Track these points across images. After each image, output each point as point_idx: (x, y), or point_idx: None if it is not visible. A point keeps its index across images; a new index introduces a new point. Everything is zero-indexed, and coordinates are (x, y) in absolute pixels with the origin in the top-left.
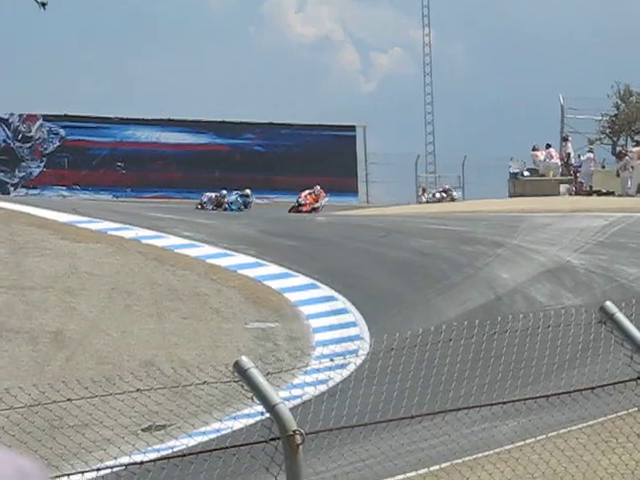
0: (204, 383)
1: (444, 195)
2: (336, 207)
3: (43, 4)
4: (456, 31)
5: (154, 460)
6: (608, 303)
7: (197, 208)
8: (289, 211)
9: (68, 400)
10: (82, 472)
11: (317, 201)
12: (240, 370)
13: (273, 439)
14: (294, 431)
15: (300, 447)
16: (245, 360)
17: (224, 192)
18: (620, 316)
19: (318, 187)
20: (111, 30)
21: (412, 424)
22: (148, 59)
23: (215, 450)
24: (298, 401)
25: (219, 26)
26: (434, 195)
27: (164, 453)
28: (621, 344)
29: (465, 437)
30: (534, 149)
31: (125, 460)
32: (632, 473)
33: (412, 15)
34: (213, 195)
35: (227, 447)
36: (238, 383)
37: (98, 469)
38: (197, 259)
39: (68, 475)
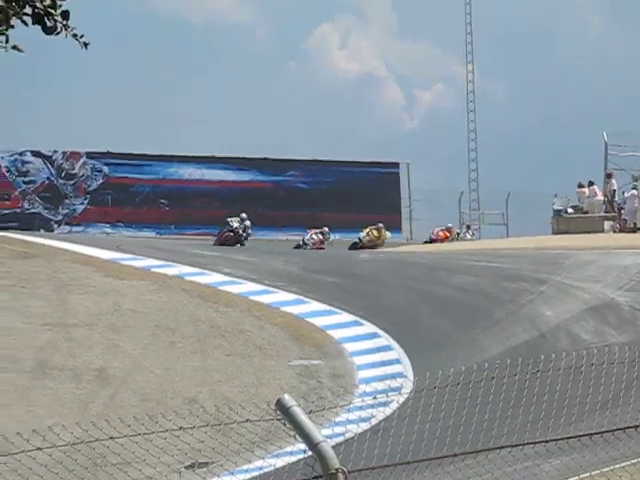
0: (247, 421)
1: (443, 234)
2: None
3: (85, 44)
4: (499, 66)
5: None
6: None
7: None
8: (294, 247)
9: (111, 438)
10: None
11: (323, 243)
12: (282, 408)
13: (316, 477)
14: (337, 469)
15: None
16: (287, 398)
17: (326, 229)
18: None
19: (326, 228)
20: (154, 65)
21: (455, 462)
22: (190, 95)
23: None
24: (341, 439)
25: (260, 62)
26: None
27: None
28: None
29: (508, 475)
30: (580, 186)
31: None
32: None
33: (452, 50)
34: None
35: None
36: (281, 421)
37: None
38: (240, 296)
39: None
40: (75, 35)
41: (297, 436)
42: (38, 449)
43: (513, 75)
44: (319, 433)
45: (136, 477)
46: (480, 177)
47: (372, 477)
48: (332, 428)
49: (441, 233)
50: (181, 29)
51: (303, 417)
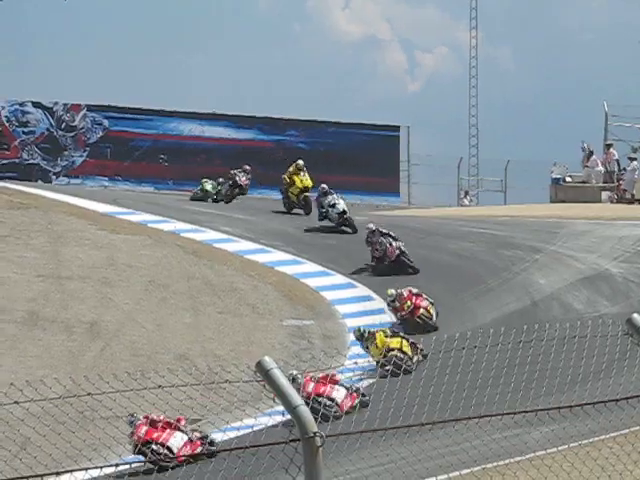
0: (239, 381)
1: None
2: (377, 207)
3: None
4: (503, 33)
5: (172, 458)
6: (635, 315)
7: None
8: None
9: (102, 393)
10: (116, 465)
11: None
12: (262, 370)
13: (293, 440)
14: (314, 433)
15: (320, 449)
16: (268, 360)
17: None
18: None
19: (247, 167)
20: (160, 24)
21: (445, 428)
22: (194, 53)
23: (235, 449)
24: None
25: (265, 23)
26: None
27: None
28: None
29: (497, 442)
30: (584, 150)
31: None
32: None
33: (458, 15)
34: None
35: (246, 447)
36: (260, 383)
37: (131, 463)
38: (235, 254)
39: (101, 467)
40: None
41: (276, 399)
42: (30, 400)
43: (518, 42)
44: (298, 396)
45: (126, 431)
46: (480, 144)
47: (351, 442)
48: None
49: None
50: None
51: (282, 380)
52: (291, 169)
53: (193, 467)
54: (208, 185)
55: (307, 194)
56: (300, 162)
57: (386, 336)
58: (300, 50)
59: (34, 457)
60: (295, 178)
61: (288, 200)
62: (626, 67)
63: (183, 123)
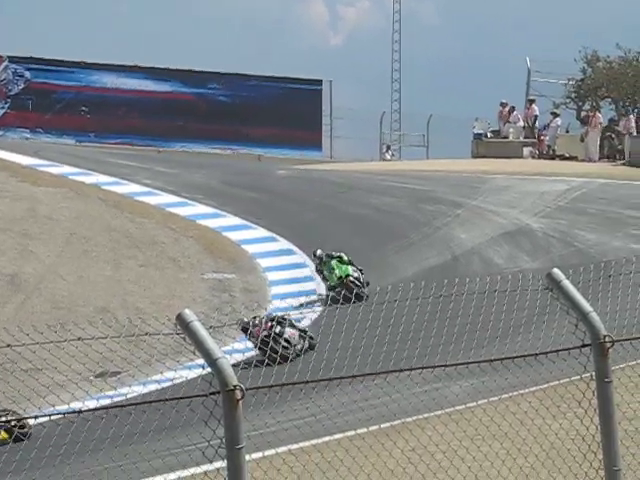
0: (159, 334)
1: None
2: (299, 161)
3: None
4: None
5: (93, 409)
6: (555, 270)
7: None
8: None
9: (22, 345)
10: (35, 417)
11: None
12: (182, 323)
13: (213, 393)
14: (234, 386)
15: (240, 402)
16: (188, 313)
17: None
18: (567, 284)
19: None
20: None
21: (365, 381)
22: (118, 3)
23: (154, 402)
24: (252, 353)
25: None
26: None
27: (116, 400)
28: (567, 312)
29: (417, 396)
30: (502, 105)
31: (76, 406)
32: (582, 439)
33: None
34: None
35: (166, 399)
36: (181, 336)
37: (50, 415)
38: (156, 207)
39: (18, 420)
40: None
41: (196, 351)
42: None
43: None
44: (218, 349)
45: (46, 383)
46: (403, 99)
47: (280, 395)
48: (244, 342)
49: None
50: None
51: (203, 332)
52: None
53: (112, 419)
54: None
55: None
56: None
57: None
58: (222, 2)
59: None
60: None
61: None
62: (548, 21)
63: (105, 75)
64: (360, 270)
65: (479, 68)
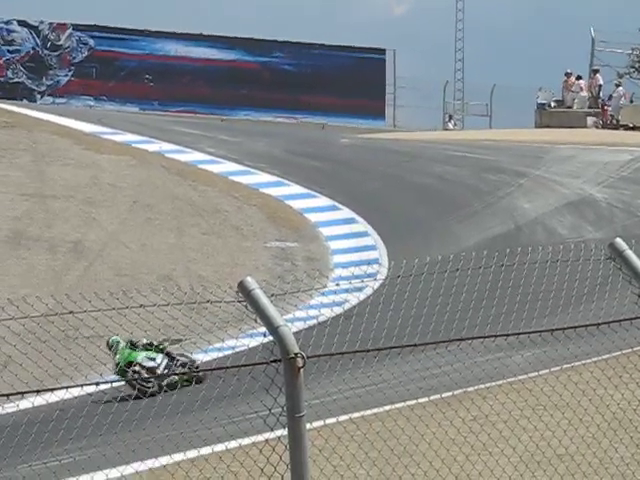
0: (221, 301)
1: None
2: (362, 130)
3: None
4: None
5: (152, 377)
6: (618, 240)
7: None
8: None
9: (84, 312)
10: (97, 383)
11: None
12: (244, 291)
13: (274, 361)
14: (296, 354)
15: (301, 371)
16: (250, 281)
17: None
18: (629, 253)
19: None
20: None
21: (427, 351)
22: None
23: (216, 369)
24: (314, 322)
25: None
26: None
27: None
28: (629, 281)
29: (479, 366)
30: (567, 75)
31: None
32: None
33: None
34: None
35: (227, 367)
36: (242, 304)
37: (112, 382)
38: (219, 175)
39: (82, 386)
40: None
41: (258, 319)
42: (11, 318)
43: None
44: (280, 317)
45: (108, 351)
46: (466, 68)
47: (332, 363)
48: (306, 311)
49: None
50: None
51: (264, 300)
52: None
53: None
54: None
55: None
56: None
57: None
58: None
59: (15, 375)
60: None
61: None
62: None
63: (169, 44)
64: (173, 358)
65: (543, 37)
